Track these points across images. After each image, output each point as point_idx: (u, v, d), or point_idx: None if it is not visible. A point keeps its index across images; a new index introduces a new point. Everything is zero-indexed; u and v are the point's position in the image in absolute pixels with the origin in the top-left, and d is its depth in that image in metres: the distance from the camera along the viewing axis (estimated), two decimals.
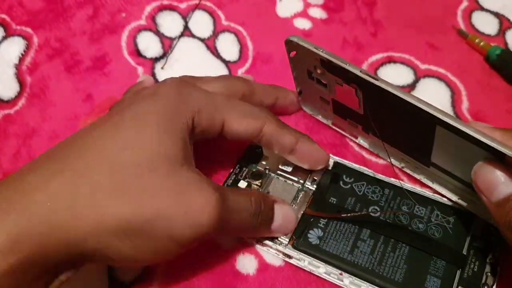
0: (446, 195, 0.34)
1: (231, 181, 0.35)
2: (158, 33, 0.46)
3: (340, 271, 0.31)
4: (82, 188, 0.25)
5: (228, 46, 0.45)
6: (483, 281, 0.30)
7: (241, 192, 0.33)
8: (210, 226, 0.27)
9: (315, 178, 0.35)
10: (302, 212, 0.33)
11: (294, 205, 0.34)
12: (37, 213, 0.24)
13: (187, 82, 0.32)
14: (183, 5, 0.48)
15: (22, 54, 0.45)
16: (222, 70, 0.43)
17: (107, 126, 0.28)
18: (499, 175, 0.27)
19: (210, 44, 0.45)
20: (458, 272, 0.30)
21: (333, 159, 0.36)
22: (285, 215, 0.32)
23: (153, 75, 0.43)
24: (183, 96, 0.30)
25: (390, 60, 0.43)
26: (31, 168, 0.26)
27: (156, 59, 0.44)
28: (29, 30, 0.46)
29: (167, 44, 0.45)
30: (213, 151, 0.38)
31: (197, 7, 0.47)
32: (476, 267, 0.31)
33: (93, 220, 0.25)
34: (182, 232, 0.26)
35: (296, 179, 0.35)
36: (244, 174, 0.35)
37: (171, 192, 0.26)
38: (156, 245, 0.26)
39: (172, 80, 0.33)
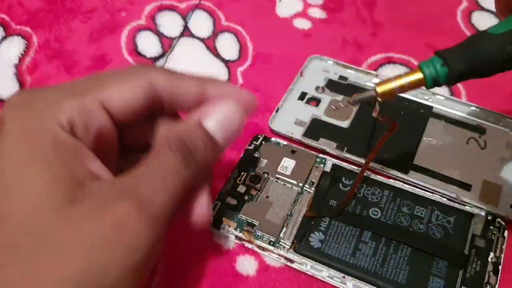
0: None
1: (230, 185, 0.35)
2: (157, 32, 0.46)
3: (343, 274, 0.31)
4: None
5: (227, 46, 0.45)
6: (485, 280, 0.30)
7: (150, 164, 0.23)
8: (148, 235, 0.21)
9: (314, 181, 0.35)
10: (302, 215, 0.33)
11: (294, 209, 0.34)
12: None
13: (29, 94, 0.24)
14: (182, 5, 0.47)
15: (22, 54, 0.45)
16: (222, 70, 0.43)
17: None
18: None
19: (209, 44, 0.45)
20: (461, 272, 0.31)
21: (332, 161, 0.36)
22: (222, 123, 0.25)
23: None
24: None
25: (389, 61, 0.43)
26: None
27: (156, 59, 0.44)
28: (28, 29, 0.46)
29: (167, 44, 0.45)
30: None
31: (197, 6, 0.47)
32: (478, 266, 0.31)
33: None
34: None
35: (295, 182, 0.35)
36: (243, 179, 0.35)
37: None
38: None
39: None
